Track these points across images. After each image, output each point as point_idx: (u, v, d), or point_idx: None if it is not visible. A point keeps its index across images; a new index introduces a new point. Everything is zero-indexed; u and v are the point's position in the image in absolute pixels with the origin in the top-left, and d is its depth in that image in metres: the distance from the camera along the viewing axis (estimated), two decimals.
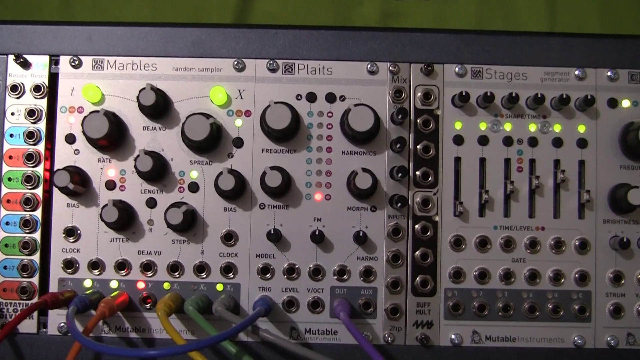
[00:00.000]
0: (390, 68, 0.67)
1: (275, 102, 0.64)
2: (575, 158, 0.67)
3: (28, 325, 0.66)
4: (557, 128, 0.67)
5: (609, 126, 0.67)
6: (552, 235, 0.66)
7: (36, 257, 0.66)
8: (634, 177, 0.67)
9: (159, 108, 0.65)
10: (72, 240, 0.66)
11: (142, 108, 0.65)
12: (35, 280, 0.66)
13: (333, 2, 0.78)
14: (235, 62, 0.66)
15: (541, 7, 0.78)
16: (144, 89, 0.64)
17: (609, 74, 0.67)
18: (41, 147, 0.66)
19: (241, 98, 0.67)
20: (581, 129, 0.67)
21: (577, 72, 0.67)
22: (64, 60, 0.67)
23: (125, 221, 0.65)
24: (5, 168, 0.66)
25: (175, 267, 0.66)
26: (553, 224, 0.67)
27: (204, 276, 0.66)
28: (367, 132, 0.64)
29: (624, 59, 0.68)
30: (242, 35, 0.67)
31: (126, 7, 0.78)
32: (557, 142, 0.67)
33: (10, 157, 0.66)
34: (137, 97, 0.64)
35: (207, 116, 0.64)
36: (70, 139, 0.66)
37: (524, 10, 0.78)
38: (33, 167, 0.66)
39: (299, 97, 0.67)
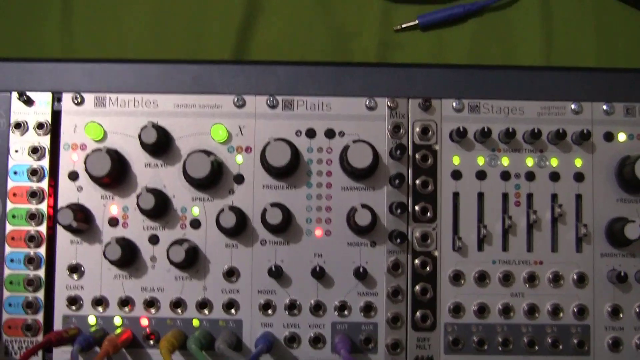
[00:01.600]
0: (389, 103, 0.67)
1: (275, 140, 0.65)
2: (572, 192, 0.68)
3: None
4: (554, 162, 0.68)
5: (605, 160, 0.68)
6: (551, 269, 0.67)
7: (41, 294, 0.67)
8: (630, 210, 0.68)
9: (160, 145, 0.66)
10: (76, 277, 0.67)
11: (144, 146, 0.66)
12: (39, 317, 0.67)
13: (331, 34, 0.78)
14: (235, 99, 0.67)
15: (537, 38, 0.78)
16: (145, 127, 0.65)
17: (604, 107, 0.68)
18: (45, 184, 0.67)
19: (242, 134, 0.67)
20: (578, 162, 0.68)
21: (573, 106, 0.68)
22: (67, 98, 0.68)
23: (128, 258, 0.66)
24: (9, 205, 0.67)
25: (178, 304, 0.66)
26: (551, 257, 0.67)
27: (207, 312, 0.66)
28: (366, 168, 0.65)
29: (620, 93, 0.68)
30: (241, 72, 0.68)
31: (126, 41, 0.79)
32: (554, 176, 0.68)
33: (15, 195, 0.67)
34: (139, 135, 0.65)
35: (208, 153, 0.65)
36: (74, 176, 0.67)
37: (520, 41, 0.79)
38: (37, 204, 0.67)
39: (299, 133, 0.67)
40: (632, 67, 0.76)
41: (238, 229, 0.65)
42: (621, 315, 0.67)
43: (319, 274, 0.66)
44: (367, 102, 0.67)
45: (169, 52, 0.80)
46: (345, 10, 0.81)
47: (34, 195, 0.66)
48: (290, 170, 0.66)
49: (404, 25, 0.81)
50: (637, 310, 0.67)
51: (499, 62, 0.80)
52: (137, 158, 0.67)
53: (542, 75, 0.69)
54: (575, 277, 0.67)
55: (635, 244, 0.67)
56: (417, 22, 0.81)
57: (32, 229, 0.67)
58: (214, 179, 0.66)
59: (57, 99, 0.68)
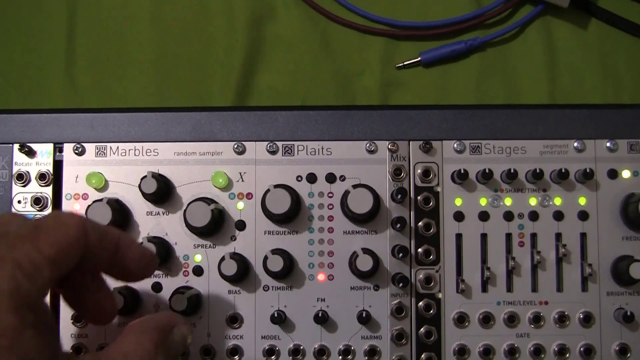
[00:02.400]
0: (389, 146, 0.67)
1: (275, 187, 0.65)
2: (576, 230, 0.67)
3: None
4: (557, 201, 0.67)
5: (609, 197, 0.67)
6: (556, 309, 0.67)
7: None
8: (636, 248, 0.67)
9: (161, 194, 0.66)
10: (80, 325, 0.67)
11: (145, 195, 0.66)
12: None
13: (334, 74, 0.78)
14: (236, 145, 0.67)
15: (541, 72, 0.78)
16: (145, 177, 0.65)
17: (608, 144, 0.67)
18: None
19: (242, 181, 0.68)
20: (582, 201, 0.67)
21: (576, 144, 0.67)
22: (68, 148, 0.68)
23: (131, 306, 0.66)
24: None
25: None
26: (556, 297, 0.67)
27: (211, 359, 0.66)
28: (367, 213, 0.65)
29: (624, 129, 0.68)
30: (241, 118, 0.68)
31: (130, 85, 0.79)
32: (558, 216, 0.67)
33: None
34: (139, 185, 0.65)
35: (209, 202, 0.65)
36: None
37: (524, 75, 0.78)
38: None
39: (299, 179, 0.67)
40: (637, 101, 0.76)
41: (240, 275, 0.65)
42: (629, 354, 0.66)
43: (322, 319, 0.66)
44: (368, 145, 0.67)
45: (173, 99, 0.80)
46: (346, 50, 0.81)
47: None
48: (291, 217, 0.66)
49: (406, 63, 0.81)
50: None
51: (503, 98, 0.80)
52: (138, 207, 0.67)
53: (544, 113, 0.68)
54: (581, 316, 0.66)
55: None
56: (419, 58, 0.80)
57: None
58: (215, 226, 0.66)
59: (58, 149, 0.68)
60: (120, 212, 0.66)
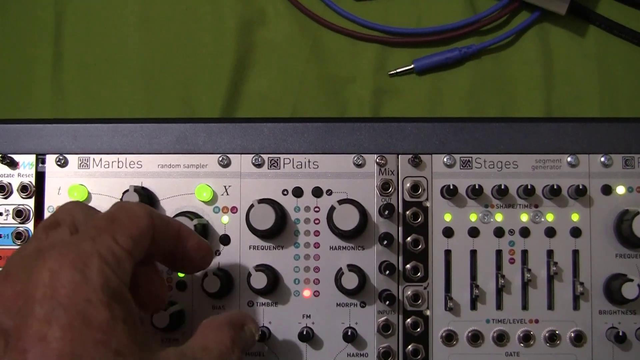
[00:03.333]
0: (377, 160, 0.66)
1: (259, 202, 0.64)
2: (569, 248, 0.66)
3: None
4: (549, 217, 0.66)
5: (603, 214, 0.66)
6: (547, 328, 0.65)
7: None
8: (630, 266, 0.65)
9: None
10: None
11: None
12: None
13: (325, 80, 0.77)
14: (220, 158, 0.66)
15: (538, 83, 0.76)
16: (127, 191, 0.64)
17: (602, 159, 0.66)
18: None
19: (227, 194, 0.66)
20: (575, 217, 0.66)
21: (569, 159, 0.66)
22: (50, 159, 0.67)
23: None
24: None
25: None
26: (547, 316, 0.65)
27: None
28: (353, 230, 0.63)
29: (618, 144, 0.66)
30: (226, 130, 0.67)
31: (118, 91, 0.78)
32: (550, 232, 0.65)
33: (0, 258, 0.66)
34: (121, 199, 0.64)
35: (192, 217, 0.64)
36: None
37: (519, 84, 0.76)
38: None
39: (285, 192, 0.66)
40: (635, 113, 0.74)
41: (224, 291, 0.64)
42: None
43: (307, 336, 0.65)
44: (355, 159, 0.66)
45: (161, 105, 0.79)
46: (338, 56, 0.80)
47: None
48: (276, 232, 0.65)
49: (399, 70, 0.79)
50: None
51: (498, 107, 0.78)
52: None
53: (537, 127, 0.66)
54: (572, 335, 0.65)
55: (635, 301, 0.64)
56: (412, 66, 0.79)
57: None
58: None
59: (40, 160, 0.67)
60: None
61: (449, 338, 0.65)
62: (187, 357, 0.49)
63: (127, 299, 0.46)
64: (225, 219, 0.66)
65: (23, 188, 0.66)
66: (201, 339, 0.53)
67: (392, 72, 0.79)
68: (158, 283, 0.56)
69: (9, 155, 0.66)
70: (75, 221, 0.50)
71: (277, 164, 0.66)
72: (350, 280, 0.63)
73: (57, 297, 0.42)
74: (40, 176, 0.67)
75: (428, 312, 0.65)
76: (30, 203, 0.67)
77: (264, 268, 0.64)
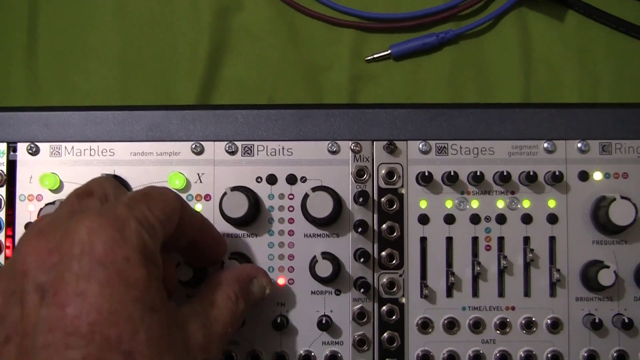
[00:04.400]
0: (352, 147, 0.65)
1: (232, 189, 0.63)
2: (545, 234, 0.65)
3: None
4: (526, 204, 0.65)
5: (580, 200, 0.65)
6: (523, 315, 0.65)
7: None
8: (607, 252, 0.65)
9: None
10: None
11: None
12: None
13: (302, 66, 0.76)
14: (194, 145, 0.65)
15: (517, 69, 0.75)
16: None
17: (579, 145, 0.65)
18: (2, 236, 0.66)
19: (200, 182, 0.66)
20: (551, 204, 0.65)
21: (546, 145, 0.65)
22: (22, 148, 0.66)
23: None
24: None
25: None
26: (523, 303, 0.65)
27: None
28: (327, 217, 0.63)
29: (595, 129, 0.66)
30: (199, 117, 0.66)
31: (94, 79, 0.77)
32: (527, 219, 0.65)
33: None
34: None
35: None
36: None
37: (498, 69, 0.76)
38: None
39: (259, 180, 0.65)
40: (614, 98, 0.74)
41: (198, 280, 0.63)
42: None
43: (281, 325, 0.64)
44: (330, 145, 0.65)
45: (138, 93, 0.79)
46: (315, 42, 0.79)
47: None
48: (250, 220, 0.64)
49: (375, 55, 0.78)
50: (615, 355, 0.65)
51: (476, 92, 0.78)
52: None
53: (513, 113, 0.66)
54: (549, 322, 0.65)
55: (612, 287, 0.64)
56: (389, 51, 0.78)
57: None
58: None
59: (12, 148, 0.66)
60: None
61: (425, 325, 0.65)
62: (199, 313, 0.52)
63: (160, 261, 0.48)
64: (198, 206, 0.65)
65: None
66: (209, 293, 0.55)
67: (369, 57, 0.78)
68: (171, 273, 0.57)
69: None
70: (107, 194, 0.51)
71: (251, 151, 0.65)
72: (325, 268, 0.63)
73: (95, 254, 0.43)
74: (11, 164, 0.66)
75: (403, 300, 0.65)
76: (2, 192, 0.66)
77: (237, 256, 0.64)
